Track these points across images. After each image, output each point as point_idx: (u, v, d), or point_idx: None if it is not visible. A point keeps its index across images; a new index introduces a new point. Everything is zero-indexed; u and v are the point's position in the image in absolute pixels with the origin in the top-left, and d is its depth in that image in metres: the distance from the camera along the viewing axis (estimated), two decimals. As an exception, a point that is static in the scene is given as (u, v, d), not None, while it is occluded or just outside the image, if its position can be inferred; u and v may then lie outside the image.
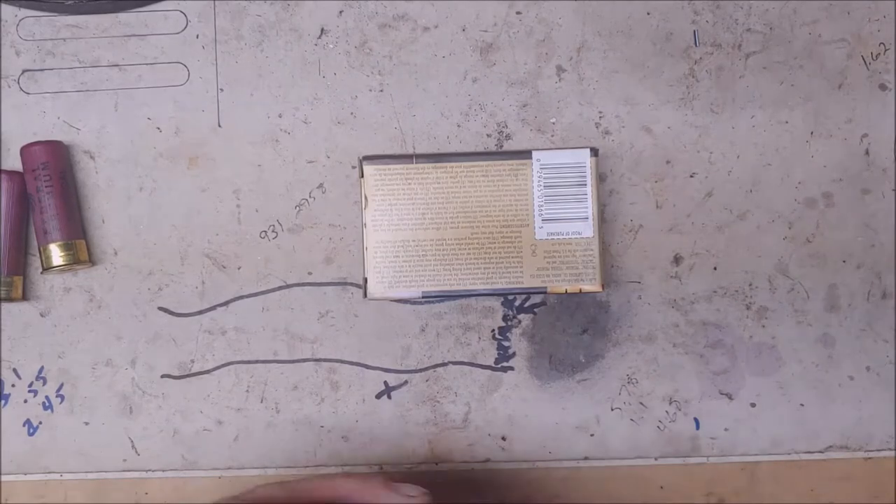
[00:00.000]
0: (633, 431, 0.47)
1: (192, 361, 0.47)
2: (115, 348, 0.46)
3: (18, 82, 0.47)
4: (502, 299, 0.47)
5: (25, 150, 0.45)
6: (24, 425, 0.46)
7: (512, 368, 0.47)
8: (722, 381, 0.47)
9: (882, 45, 0.47)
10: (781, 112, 0.47)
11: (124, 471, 0.46)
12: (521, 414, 0.47)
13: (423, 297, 0.45)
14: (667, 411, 0.47)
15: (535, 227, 0.44)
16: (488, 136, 0.47)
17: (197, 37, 0.47)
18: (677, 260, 0.47)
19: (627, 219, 0.47)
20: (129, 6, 0.47)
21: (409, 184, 0.45)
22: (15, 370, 0.46)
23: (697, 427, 0.47)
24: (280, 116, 0.47)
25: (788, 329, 0.47)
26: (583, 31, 0.47)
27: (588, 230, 0.44)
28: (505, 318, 0.47)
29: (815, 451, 0.47)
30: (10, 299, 0.45)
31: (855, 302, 0.47)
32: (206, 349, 0.47)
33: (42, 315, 0.47)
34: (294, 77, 0.47)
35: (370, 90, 0.47)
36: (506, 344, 0.47)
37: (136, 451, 0.46)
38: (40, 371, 0.46)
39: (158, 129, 0.47)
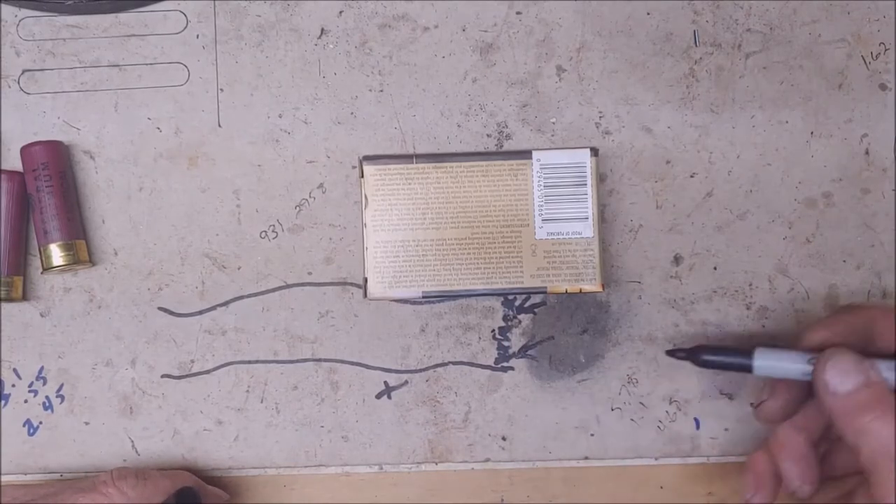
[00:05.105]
0: (633, 431, 0.47)
1: (192, 361, 0.47)
2: (115, 348, 0.46)
3: (18, 82, 0.47)
4: (502, 299, 0.47)
5: (25, 150, 0.45)
6: (24, 425, 0.46)
7: (512, 368, 0.47)
8: (722, 381, 0.47)
9: (882, 45, 0.47)
10: (781, 112, 0.47)
11: (124, 471, 0.46)
12: (521, 414, 0.47)
13: (423, 297, 0.45)
14: (667, 411, 0.47)
15: (535, 227, 0.44)
16: (488, 136, 0.47)
17: (197, 37, 0.47)
18: (677, 260, 0.47)
19: (627, 219, 0.47)
20: (129, 6, 0.47)
21: (409, 184, 0.45)
22: (15, 370, 0.46)
23: (697, 427, 0.47)
24: (280, 116, 0.47)
25: (788, 329, 0.47)
26: (583, 31, 0.47)
27: (588, 230, 0.44)
28: (505, 318, 0.47)
29: (815, 451, 0.47)
30: (10, 299, 0.45)
31: (855, 302, 0.47)
32: (206, 349, 0.47)
33: (42, 315, 0.47)
34: (294, 77, 0.47)
35: (370, 90, 0.47)
36: (506, 344, 0.47)
37: (137, 451, 0.46)
38: (40, 371, 0.46)
39: (158, 129, 0.47)
